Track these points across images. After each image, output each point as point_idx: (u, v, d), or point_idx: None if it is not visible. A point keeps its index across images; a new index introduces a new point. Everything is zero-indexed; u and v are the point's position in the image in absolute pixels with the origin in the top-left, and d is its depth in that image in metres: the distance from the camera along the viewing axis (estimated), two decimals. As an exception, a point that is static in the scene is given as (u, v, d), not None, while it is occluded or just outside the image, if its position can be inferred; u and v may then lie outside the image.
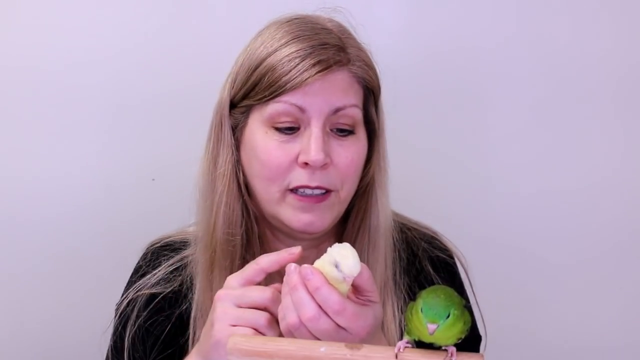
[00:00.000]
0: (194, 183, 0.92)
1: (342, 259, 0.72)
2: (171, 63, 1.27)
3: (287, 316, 0.73)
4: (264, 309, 0.77)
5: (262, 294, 0.77)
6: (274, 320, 0.76)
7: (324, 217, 0.86)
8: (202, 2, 1.27)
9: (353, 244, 0.75)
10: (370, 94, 0.88)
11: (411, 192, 1.06)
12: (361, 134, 0.87)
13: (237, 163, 0.88)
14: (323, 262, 0.74)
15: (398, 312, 0.92)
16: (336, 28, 0.87)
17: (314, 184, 0.83)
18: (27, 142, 1.29)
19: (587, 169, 1.31)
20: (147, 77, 1.28)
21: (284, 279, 0.75)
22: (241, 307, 0.77)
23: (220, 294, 0.78)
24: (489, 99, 1.30)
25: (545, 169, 1.31)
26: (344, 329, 0.72)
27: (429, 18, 1.29)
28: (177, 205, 0.94)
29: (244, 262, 0.87)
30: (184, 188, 0.93)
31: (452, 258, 1.01)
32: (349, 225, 0.93)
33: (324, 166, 0.83)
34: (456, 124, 1.31)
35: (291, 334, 0.73)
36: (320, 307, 0.71)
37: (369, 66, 0.87)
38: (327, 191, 0.85)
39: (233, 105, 0.88)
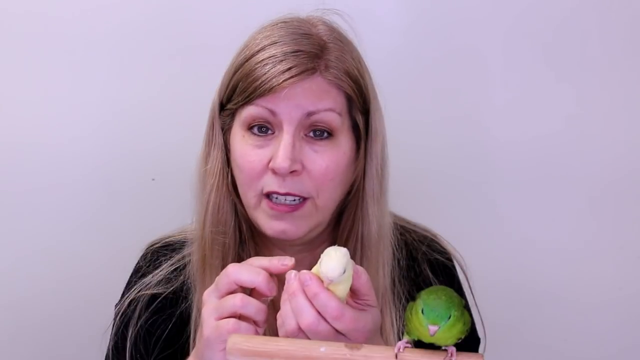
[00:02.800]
0: (191, 182, 0.93)
1: (325, 260, 0.72)
2: (171, 62, 1.27)
3: (286, 323, 0.73)
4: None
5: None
6: (254, 301, 0.76)
7: (299, 225, 0.85)
8: (204, 1, 1.27)
9: None
10: (355, 100, 0.87)
11: (409, 194, 1.05)
12: (343, 139, 0.86)
13: (227, 164, 0.89)
14: (318, 267, 0.74)
15: (397, 321, 0.91)
16: (323, 32, 0.87)
17: (283, 191, 0.83)
18: (26, 142, 1.29)
19: (587, 168, 1.31)
20: (147, 76, 1.28)
21: (285, 286, 0.75)
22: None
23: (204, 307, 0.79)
24: (488, 99, 1.30)
25: (545, 169, 1.31)
26: (342, 334, 0.72)
27: (427, 18, 1.29)
28: (177, 205, 0.95)
29: (240, 260, 0.88)
30: (184, 188, 0.93)
31: (451, 261, 1.01)
32: (339, 232, 0.93)
33: (294, 173, 0.83)
34: (455, 125, 1.30)
35: (297, 336, 0.73)
36: (319, 313, 0.71)
37: (349, 73, 0.86)
38: (303, 199, 0.85)
39: (223, 107, 0.89)
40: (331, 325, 0.72)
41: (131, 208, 1.31)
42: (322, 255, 0.73)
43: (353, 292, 0.75)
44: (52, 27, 1.27)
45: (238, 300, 0.76)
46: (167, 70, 1.27)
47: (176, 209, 0.94)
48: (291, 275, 0.74)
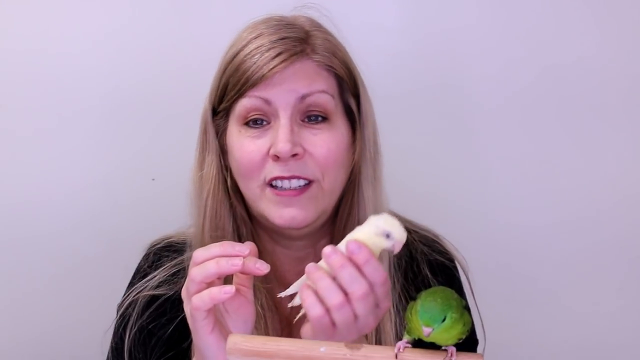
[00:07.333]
0: (186, 188, 0.93)
1: (392, 228, 0.71)
2: (171, 62, 1.27)
3: (330, 298, 0.68)
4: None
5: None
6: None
7: (307, 209, 0.85)
8: (200, 3, 1.27)
9: (341, 239, 0.73)
10: (345, 82, 0.88)
11: (408, 194, 1.05)
12: (338, 123, 0.87)
13: (224, 168, 0.90)
14: (367, 235, 0.71)
15: (393, 310, 0.91)
16: (305, 22, 0.89)
17: (287, 174, 0.83)
18: (26, 142, 1.29)
19: (584, 168, 1.31)
20: (147, 76, 1.28)
21: (307, 269, 0.71)
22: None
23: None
24: (485, 99, 1.30)
25: (541, 167, 1.31)
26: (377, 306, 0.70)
27: (424, 18, 1.29)
28: (177, 205, 0.94)
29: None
30: (184, 188, 0.94)
31: (452, 261, 1.01)
32: (337, 221, 0.92)
33: (296, 156, 0.83)
34: (452, 125, 1.30)
35: (320, 323, 0.69)
36: (369, 283, 0.69)
37: (335, 55, 0.87)
38: (308, 182, 0.85)
39: (215, 112, 0.90)
40: (377, 295, 0.70)
41: (131, 208, 1.31)
42: (370, 223, 0.71)
43: None
44: (51, 26, 1.27)
45: (194, 273, 0.73)
46: (167, 70, 1.27)
47: (176, 209, 0.94)
48: (328, 251, 0.70)
